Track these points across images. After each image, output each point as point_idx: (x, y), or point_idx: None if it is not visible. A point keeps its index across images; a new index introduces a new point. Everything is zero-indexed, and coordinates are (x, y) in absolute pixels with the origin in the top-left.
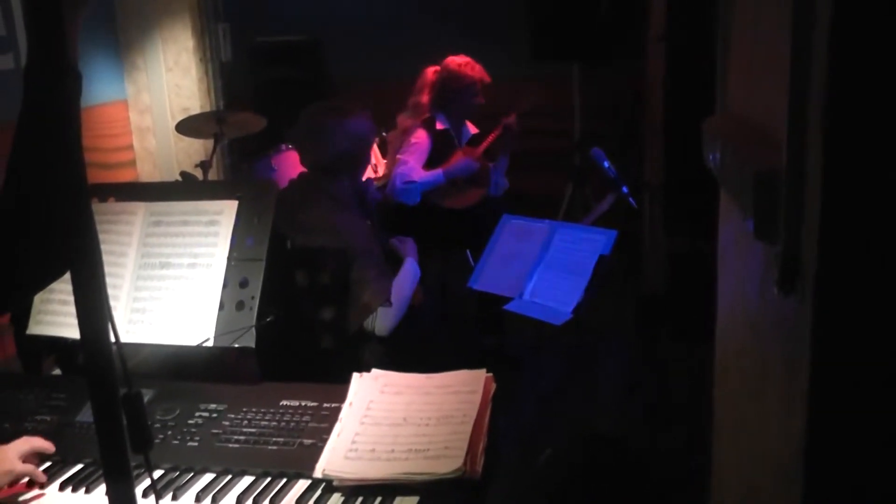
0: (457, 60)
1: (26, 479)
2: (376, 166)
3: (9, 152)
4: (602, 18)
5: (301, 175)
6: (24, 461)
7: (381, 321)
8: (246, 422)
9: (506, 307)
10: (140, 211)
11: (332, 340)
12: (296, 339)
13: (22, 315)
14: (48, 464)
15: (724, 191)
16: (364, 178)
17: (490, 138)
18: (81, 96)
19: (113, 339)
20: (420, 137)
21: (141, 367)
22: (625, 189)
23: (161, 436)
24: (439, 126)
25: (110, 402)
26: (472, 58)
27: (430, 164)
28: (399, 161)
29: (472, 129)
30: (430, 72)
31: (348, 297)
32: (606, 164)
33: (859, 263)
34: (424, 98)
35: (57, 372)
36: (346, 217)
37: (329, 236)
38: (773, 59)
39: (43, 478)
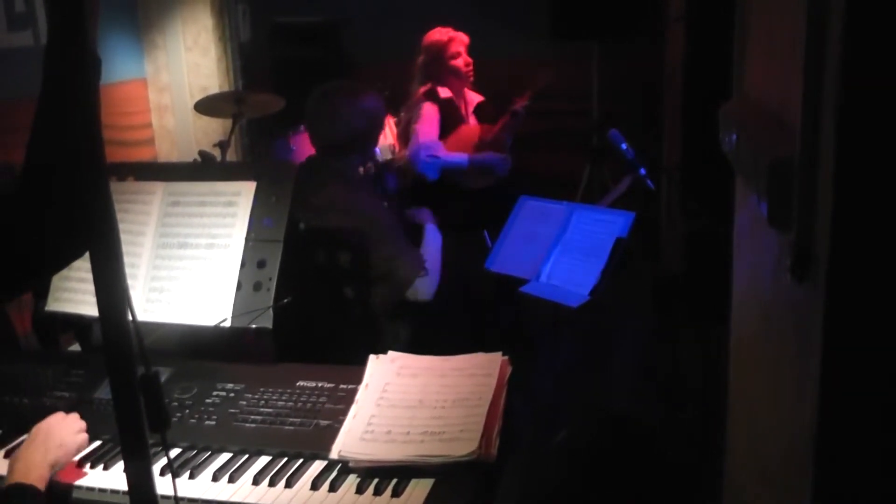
0: (430, 32)
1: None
2: (394, 147)
3: (29, 133)
4: None
5: (309, 158)
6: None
7: (423, 289)
8: (263, 402)
9: (522, 289)
10: (159, 191)
11: (351, 318)
12: (310, 320)
13: (42, 291)
14: None
15: (740, 176)
16: (382, 161)
17: (500, 124)
18: (100, 77)
19: (130, 319)
20: (427, 107)
21: (158, 345)
22: (643, 171)
23: (178, 414)
24: (443, 95)
25: (128, 381)
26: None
27: (440, 133)
28: (416, 131)
29: (476, 97)
30: (420, 57)
31: (369, 275)
32: (624, 145)
33: (871, 251)
34: (415, 80)
35: (76, 348)
36: (362, 196)
37: (347, 217)
38: (789, 45)
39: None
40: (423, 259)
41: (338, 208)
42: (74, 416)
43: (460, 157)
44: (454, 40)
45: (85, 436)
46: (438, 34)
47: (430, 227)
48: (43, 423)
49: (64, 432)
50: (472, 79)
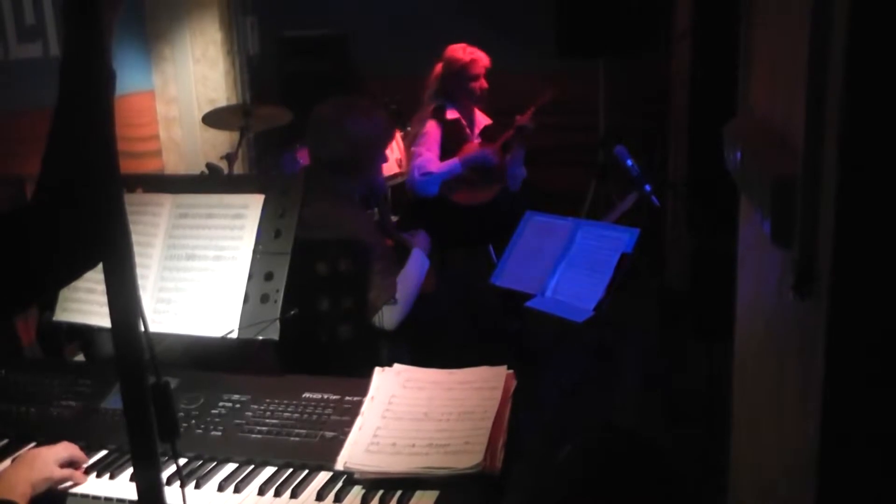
0: (454, 46)
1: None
2: (401, 160)
3: (42, 144)
4: (628, 14)
5: (303, 169)
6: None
7: (388, 317)
8: (269, 413)
9: (528, 304)
10: (167, 202)
11: (335, 334)
12: (301, 332)
13: (48, 302)
14: None
15: (744, 194)
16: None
17: (505, 136)
18: (115, 91)
19: (142, 329)
20: (430, 128)
21: (165, 356)
22: (647, 188)
23: (185, 424)
24: (450, 116)
25: (139, 391)
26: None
27: (443, 154)
28: (414, 154)
29: (485, 119)
30: (439, 66)
31: (353, 290)
32: (630, 162)
33: (873, 269)
34: (429, 89)
35: (80, 358)
36: (349, 212)
37: (332, 232)
38: (792, 65)
39: (83, 479)
40: (395, 286)
41: (325, 223)
42: (65, 446)
43: (452, 163)
44: (477, 62)
45: (70, 472)
46: (462, 52)
47: (416, 252)
48: (34, 449)
49: (51, 458)
50: (483, 102)
